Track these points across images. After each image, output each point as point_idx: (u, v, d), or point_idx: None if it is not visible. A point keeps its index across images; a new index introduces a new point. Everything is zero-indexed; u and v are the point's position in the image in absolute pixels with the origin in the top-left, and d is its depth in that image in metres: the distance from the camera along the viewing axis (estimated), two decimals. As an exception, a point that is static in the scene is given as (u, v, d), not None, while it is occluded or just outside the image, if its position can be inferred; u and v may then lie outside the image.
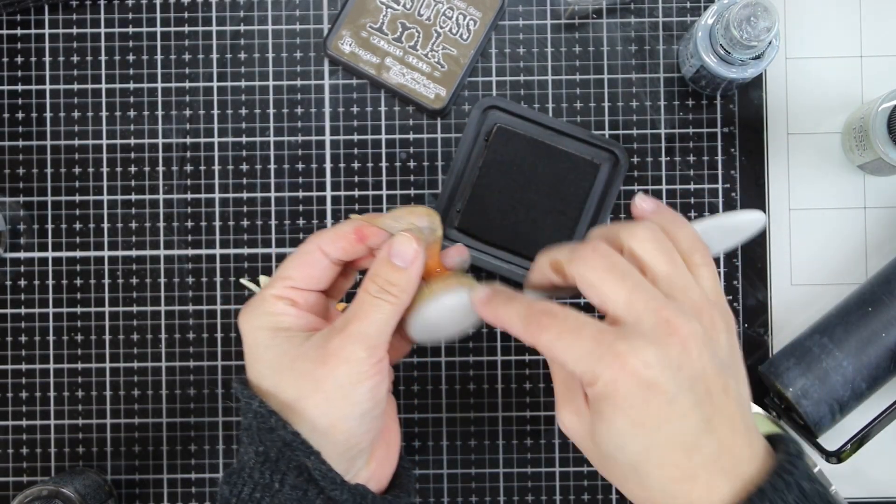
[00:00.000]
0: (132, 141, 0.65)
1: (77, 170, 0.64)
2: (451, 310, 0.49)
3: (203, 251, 0.64)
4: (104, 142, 0.65)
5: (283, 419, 0.47)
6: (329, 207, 0.65)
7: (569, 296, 0.50)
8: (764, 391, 0.63)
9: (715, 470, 0.43)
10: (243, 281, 0.63)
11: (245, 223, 0.64)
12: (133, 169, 0.65)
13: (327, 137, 0.65)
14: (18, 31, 0.65)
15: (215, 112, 0.64)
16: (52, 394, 0.64)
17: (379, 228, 0.50)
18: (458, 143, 0.64)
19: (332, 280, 0.51)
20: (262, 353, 0.48)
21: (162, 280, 0.64)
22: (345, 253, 0.50)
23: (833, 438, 0.61)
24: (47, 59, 0.65)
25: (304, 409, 0.47)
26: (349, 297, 0.58)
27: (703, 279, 0.46)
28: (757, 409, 0.62)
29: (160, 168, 0.64)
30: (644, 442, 0.43)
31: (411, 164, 0.64)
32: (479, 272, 0.64)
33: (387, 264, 0.48)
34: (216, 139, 0.65)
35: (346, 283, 0.54)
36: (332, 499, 0.47)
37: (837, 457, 0.60)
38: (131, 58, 0.65)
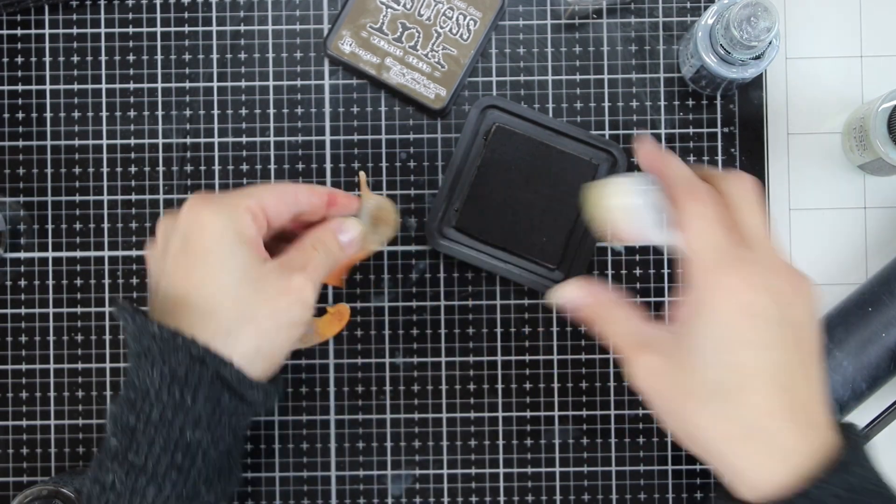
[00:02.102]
0: (132, 141, 0.65)
1: (77, 170, 0.64)
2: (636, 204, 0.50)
3: (203, 251, 0.64)
4: (104, 142, 0.65)
5: (191, 337, 0.47)
6: (329, 207, 0.65)
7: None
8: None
9: (810, 419, 0.44)
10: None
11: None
12: (133, 169, 0.65)
13: (327, 137, 0.65)
14: (18, 31, 0.65)
15: (215, 112, 0.64)
16: (52, 394, 0.64)
17: (347, 202, 0.55)
18: (458, 143, 0.64)
19: (283, 227, 0.53)
20: (224, 259, 0.48)
21: (162, 280, 0.64)
22: (311, 207, 0.53)
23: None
24: (47, 59, 0.65)
25: (255, 334, 0.48)
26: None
27: None
28: None
29: (160, 168, 0.64)
30: (742, 360, 0.43)
31: (411, 164, 0.64)
32: (476, 271, 0.64)
33: (332, 234, 0.53)
34: (216, 139, 0.65)
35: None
36: (245, 399, 0.49)
37: None
38: (131, 58, 0.65)
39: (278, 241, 0.54)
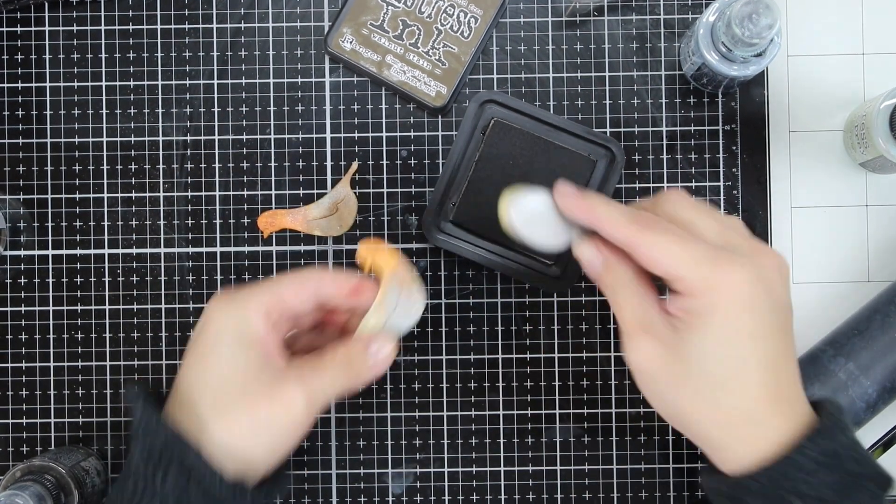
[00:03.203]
0: (132, 138, 0.65)
1: (77, 167, 0.64)
2: (533, 212, 0.51)
3: (203, 249, 0.64)
4: (104, 139, 0.65)
5: (165, 421, 0.48)
6: (329, 205, 0.65)
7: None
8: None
9: (790, 398, 0.46)
10: None
11: (246, 221, 0.64)
12: (133, 166, 0.64)
13: (328, 135, 0.65)
14: (18, 29, 0.65)
15: (216, 109, 0.64)
16: (52, 392, 0.64)
17: (371, 291, 0.52)
18: (455, 138, 0.64)
19: (310, 319, 0.53)
20: (216, 356, 0.49)
21: (162, 278, 0.64)
22: (334, 298, 0.52)
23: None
24: (47, 56, 0.65)
25: (224, 431, 0.48)
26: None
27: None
28: None
29: (160, 165, 0.64)
30: (744, 353, 0.45)
31: (412, 161, 0.64)
32: (477, 269, 0.64)
33: (362, 350, 0.50)
34: (216, 136, 0.64)
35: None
36: (212, 495, 0.48)
37: None
38: (131, 55, 0.65)
39: (319, 330, 0.55)
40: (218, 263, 0.64)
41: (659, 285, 0.49)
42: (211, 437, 0.48)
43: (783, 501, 0.45)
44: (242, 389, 0.48)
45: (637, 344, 0.47)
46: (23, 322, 0.64)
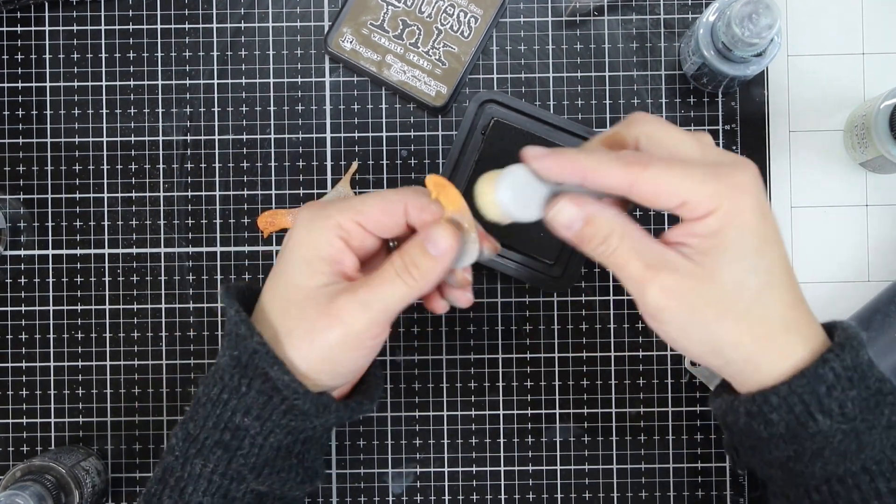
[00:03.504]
0: (132, 138, 0.65)
1: (77, 167, 0.64)
2: (512, 190, 0.47)
3: (203, 248, 0.64)
4: (104, 139, 0.65)
5: (254, 328, 0.48)
6: (330, 205, 0.65)
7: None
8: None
9: (807, 308, 0.46)
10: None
11: (246, 220, 0.64)
12: (133, 166, 0.64)
13: (328, 135, 0.65)
14: (19, 29, 0.65)
15: (216, 109, 0.64)
16: (52, 391, 0.64)
17: (439, 209, 0.49)
18: (455, 137, 0.64)
19: (395, 235, 0.50)
20: (289, 270, 0.49)
21: (162, 277, 0.64)
22: (422, 224, 0.49)
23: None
24: (47, 56, 0.65)
25: (289, 347, 0.48)
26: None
27: None
28: None
29: (160, 165, 0.64)
30: (769, 261, 0.45)
31: (412, 161, 0.64)
32: (477, 269, 0.64)
33: (419, 247, 0.48)
34: (216, 136, 0.64)
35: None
36: (295, 407, 0.48)
37: None
38: (131, 55, 0.65)
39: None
40: (218, 263, 0.64)
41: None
42: (281, 352, 0.48)
43: (807, 416, 0.44)
44: (302, 305, 0.48)
45: (656, 285, 0.44)
46: (23, 322, 0.64)
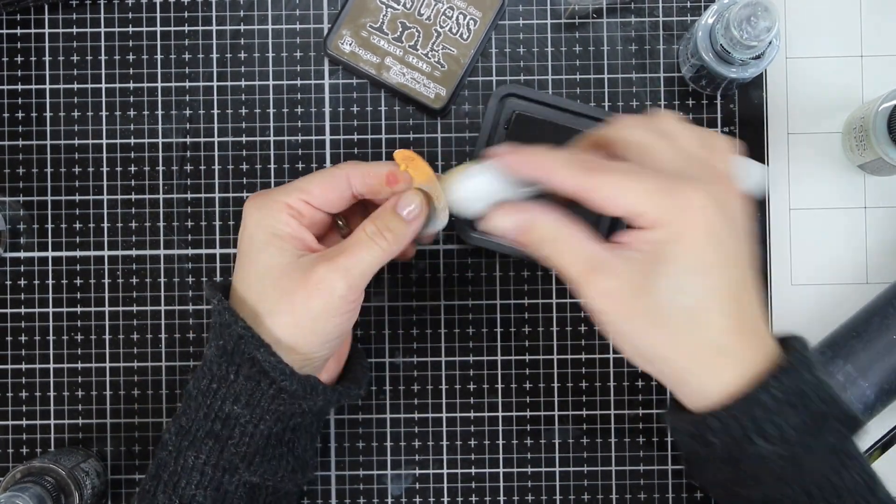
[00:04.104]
0: (132, 140, 0.65)
1: (77, 169, 0.64)
2: (475, 186, 0.49)
3: (203, 251, 0.64)
4: (104, 141, 0.65)
5: (237, 314, 0.49)
6: (329, 207, 0.65)
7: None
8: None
9: (756, 329, 0.45)
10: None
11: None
12: (133, 168, 0.65)
13: (327, 137, 0.65)
14: (18, 31, 0.65)
15: (215, 112, 0.64)
16: (51, 393, 0.64)
17: (408, 177, 0.51)
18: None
19: (343, 208, 0.53)
20: (254, 255, 0.50)
21: (162, 280, 0.64)
22: (369, 190, 0.52)
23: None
24: (47, 58, 0.65)
25: (272, 326, 0.49)
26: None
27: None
28: None
29: (160, 168, 0.64)
30: (708, 284, 0.44)
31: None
32: (476, 271, 0.64)
33: (391, 212, 0.50)
34: (216, 139, 0.65)
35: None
36: (283, 389, 0.49)
37: None
38: (131, 57, 0.65)
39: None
40: (218, 265, 0.64)
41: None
42: (265, 332, 0.49)
43: (745, 440, 0.44)
44: (277, 283, 0.49)
45: (594, 286, 0.45)
46: (23, 324, 0.64)
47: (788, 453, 0.44)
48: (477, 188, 0.49)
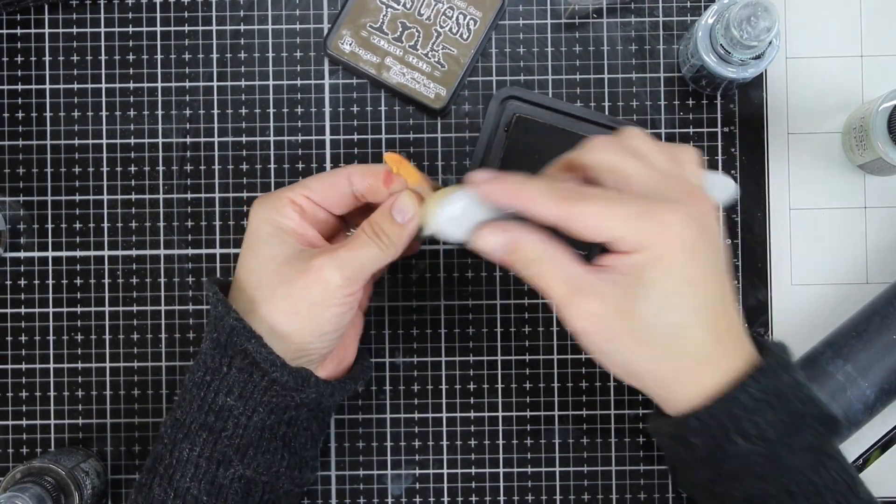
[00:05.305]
0: (132, 140, 0.65)
1: (77, 169, 0.64)
2: (455, 213, 0.50)
3: (203, 251, 0.64)
4: (104, 141, 0.65)
5: (230, 305, 0.50)
6: (329, 207, 0.65)
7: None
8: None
9: (734, 337, 0.47)
10: None
11: (245, 223, 0.64)
12: (133, 168, 0.65)
13: (327, 137, 0.65)
14: (18, 31, 0.65)
15: (215, 112, 0.64)
16: (51, 393, 0.64)
17: (402, 178, 0.53)
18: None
19: (347, 209, 0.54)
20: (258, 246, 0.52)
21: (162, 280, 0.64)
22: (368, 190, 0.53)
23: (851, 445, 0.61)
24: (47, 58, 0.65)
25: (269, 313, 0.50)
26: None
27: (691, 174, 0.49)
28: None
29: (160, 168, 0.64)
30: (690, 302, 0.45)
31: (412, 163, 0.64)
32: (476, 271, 0.64)
33: (387, 215, 0.51)
34: (216, 139, 0.65)
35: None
36: (275, 380, 0.50)
37: (864, 462, 0.60)
38: (131, 57, 0.65)
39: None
40: (218, 265, 0.64)
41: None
42: (260, 320, 0.50)
43: (725, 440, 0.45)
44: (278, 273, 0.51)
45: (578, 309, 0.46)
46: (23, 324, 0.64)
47: (768, 451, 0.45)
48: (457, 215, 0.50)
